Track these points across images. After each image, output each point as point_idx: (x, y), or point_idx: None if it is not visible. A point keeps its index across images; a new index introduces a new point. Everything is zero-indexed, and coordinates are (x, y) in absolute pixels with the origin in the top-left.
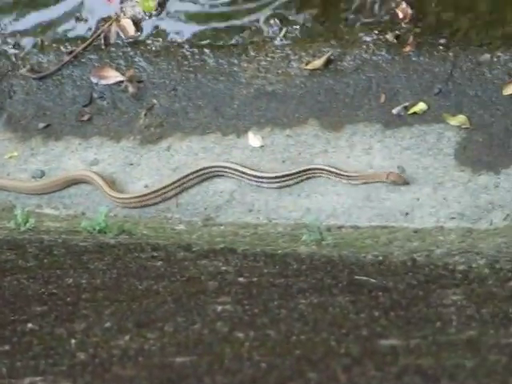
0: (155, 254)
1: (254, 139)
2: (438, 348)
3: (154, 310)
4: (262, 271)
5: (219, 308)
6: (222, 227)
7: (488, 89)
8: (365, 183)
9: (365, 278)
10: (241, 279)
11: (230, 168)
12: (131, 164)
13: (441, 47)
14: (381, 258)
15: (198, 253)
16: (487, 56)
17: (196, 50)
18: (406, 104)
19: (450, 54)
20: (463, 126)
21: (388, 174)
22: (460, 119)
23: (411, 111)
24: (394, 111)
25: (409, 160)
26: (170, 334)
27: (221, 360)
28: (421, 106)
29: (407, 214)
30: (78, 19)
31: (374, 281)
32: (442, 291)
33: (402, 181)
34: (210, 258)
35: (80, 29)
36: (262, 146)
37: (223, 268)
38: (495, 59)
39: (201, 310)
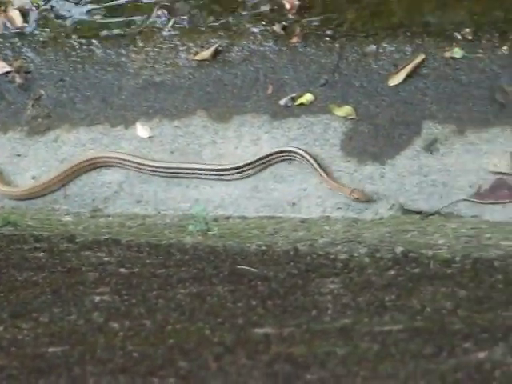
0: (38, 245)
1: (142, 130)
2: (311, 336)
3: (31, 301)
4: (145, 262)
5: (97, 298)
6: (109, 218)
7: (374, 79)
8: (329, 188)
9: (246, 267)
10: (122, 270)
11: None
12: (18, 155)
13: (327, 38)
14: (264, 247)
15: (82, 244)
16: (373, 47)
17: (84, 41)
18: (293, 95)
19: (337, 45)
20: (349, 117)
21: (352, 190)
22: (346, 110)
23: (298, 102)
24: (282, 102)
25: None
26: (45, 324)
27: (93, 350)
28: (308, 97)
29: (294, 204)
30: None
31: (255, 270)
32: (320, 280)
33: (365, 198)
34: (94, 249)
35: None
36: (151, 137)
37: (106, 259)
38: (381, 50)
39: (78, 300)
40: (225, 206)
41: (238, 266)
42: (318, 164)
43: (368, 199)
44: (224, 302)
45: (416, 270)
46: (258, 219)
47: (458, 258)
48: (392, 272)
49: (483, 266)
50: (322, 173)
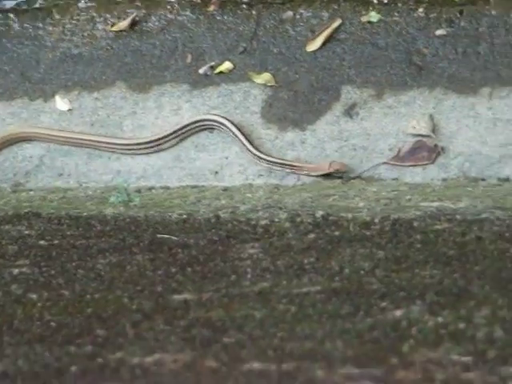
0: None
1: (61, 103)
2: (229, 300)
3: None
4: (65, 233)
5: (16, 271)
6: (31, 192)
7: (292, 46)
8: (307, 175)
9: (167, 236)
10: (42, 242)
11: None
12: None
13: (244, 6)
14: (185, 216)
15: (2, 218)
16: (290, 13)
17: (0, 15)
18: (212, 63)
19: (254, 12)
20: (268, 84)
21: (330, 163)
22: (265, 77)
23: (217, 71)
24: (201, 71)
25: None
26: None
27: (10, 321)
28: (227, 65)
29: (217, 172)
30: None
31: (175, 238)
32: (241, 246)
33: (345, 168)
34: (14, 222)
35: None
36: (70, 110)
37: (26, 232)
38: (298, 16)
39: None
40: (147, 177)
41: (159, 235)
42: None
43: (347, 169)
44: (143, 270)
45: (336, 233)
46: (180, 189)
47: (377, 220)
48: (312, 235)
49: (402, 226)
50: (297, 163)
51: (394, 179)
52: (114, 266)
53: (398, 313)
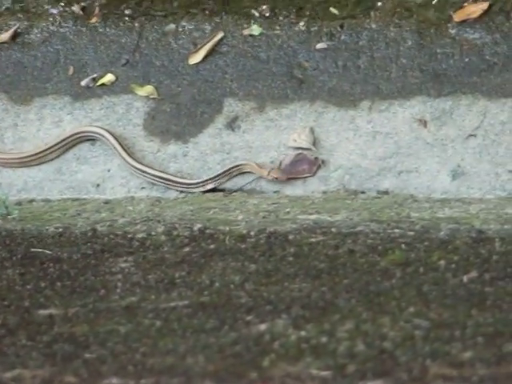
0: None
1: None
2: (95, 315)
3: None
4: None
5: None
6: None
7: (174, 58)
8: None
9: (41, 250)
10: None
11: None
12: None
13: (126, 18)
14: (62, 229)
15: None
16: (172, 26)
17: None
18: (95, 75)
19: (136, 24)
20: (151, 96)
21: (269, 170)
22: (148, 89)
23: (100, 83)
24: (83, 83)
25: None
26: None
27: None
28: (109, 78)
29: (98, 185)
30: None
31: (49, 252)
32: (114, 259)
33: (284, 177)
34: None
35: None
36: None
37: None
38: (180, 29)
39: None
40: (28, 190)
41: (33, 249)
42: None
43: (284, 179)
44: (13, 285)
45: (211, 247)
46: (61, 201)
47: (253, 233)
48: (187, 249)
49: (277, 239)
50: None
51: (275, 192)
52: None
53: (263, 327)
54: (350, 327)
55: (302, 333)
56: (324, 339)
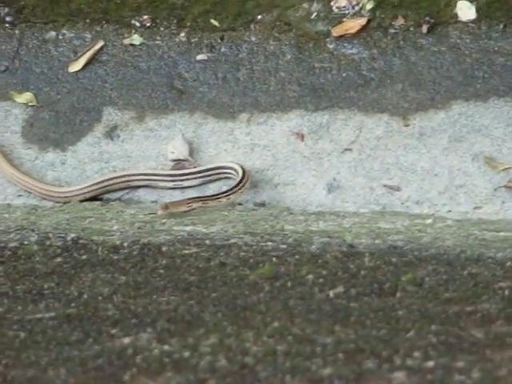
0: None
1: None
2: None
3: None
4: None
5: None
6: None
7: (54, 66)
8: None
9: None
10: None
11: None
12: None
13: (7, 25)
14: None
15: None
16: (53, 33)
17: None
18: None
19: (17, 31)
20: (30, 104)
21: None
22: (27, 96)
23: None
24: None
25: None
26: None
27: None
28: None
29: None
30: None
31: None
32: None
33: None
34: None
35: None
36: None
37: None
38: (60, 37)
39: None
40: None
41: None
42: None
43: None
44: None
45: (83, 257)
46: None
47: (126, 244)
48: (59, 259)
49: (150, 251)
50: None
51: (152, 202)
52: None
53: (127, 340)
54: (214, 341)
55: (166, 347)
56: (187, 354)
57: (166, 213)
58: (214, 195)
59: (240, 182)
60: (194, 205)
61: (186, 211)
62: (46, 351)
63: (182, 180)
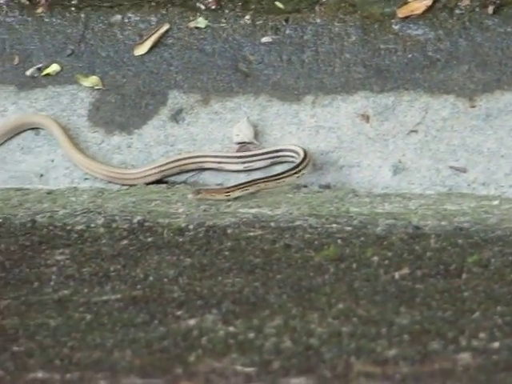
0: None
1: None
2: (27, 308)
3: None
4: None
5: None
6: None
7: (120, 50)
8: None
9: None
10: None
11: None
12: None
13: (73, 8)
14: (1, 220)
15: None
16: (118, 17)
17: None
18: (40, 65)
19: (82, 15)
20: (96, 87)
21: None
22: (93, 80)
23: (45, 73)
24: (28, 73)
25: None
26: None
27: None
28: (54, 68)
29: (42, 175)
30: None
31: None
32: (51, 251)
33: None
34: None
35: None
36: None
37: None
38: (126, 20)
39: None
40: None
41: None
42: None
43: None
44: None
45: (149, 240)
46: (4, 191)
47: (191, 227)
48: (125, 242)
49: (216, 233)
50: None
51: (218, 184)
52: None
53: (192, 322)
54: (279, 323)
55: (231, 328)
56: (251, 335)
57: (198, 198)
58: (269, 177)
59: (299, 164)
60: (250, 189)
61: (221, 200)
62: (111, 333)
63: (252, 161)
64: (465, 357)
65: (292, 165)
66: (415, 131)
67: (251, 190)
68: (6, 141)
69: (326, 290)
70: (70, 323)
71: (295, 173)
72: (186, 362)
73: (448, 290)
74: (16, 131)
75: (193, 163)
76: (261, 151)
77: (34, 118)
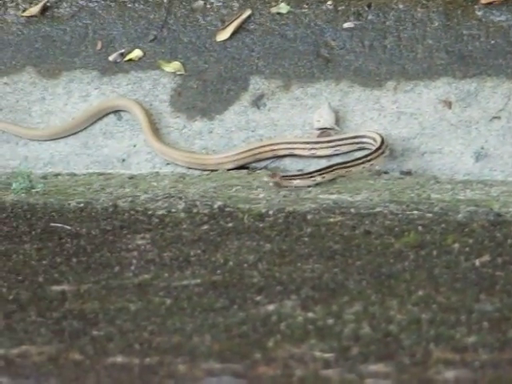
0: None
1: None
2: (106, 292)
3: None
4: None
5: None
6: None
7: (202, 35)
8: None
9: (60, 225)
10: None
11: None
12: None
13: None
14: (83, 204)
15: None
16: (200, 2)
17: None
18: (123, 51)
19: (165, 0)
20: (178, 73)
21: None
22: (175, 66)
23: (127, 58)
24: (111, 58)
25: None
26: None
27: None
28: (137, 53)
29: (124, 160)
30: None
31: (68, 227)
32: (132, 236)
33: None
34: None
35: None
36: None
37: None
38: (208, 6)
39: None
40: (54, 163)
41: (52, 224)
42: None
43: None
44: (29, 259)
45: (230, 225)
46: (86, 176)
47: (271, 212)
48: (205, 227)
49: (295, 219)
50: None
51: (298, 170)
52: (1, 254)
53: (271, 307)
54: (358, 309)
55: (310, 314)
56: (330, 321)
57: (274, 181)
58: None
59: (374, 151)
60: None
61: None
62: (191, 318)
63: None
64: None
65: (369, 151)
66: (498, 117)
67: (329, 176)
68: (90, 125)
69: (405, 276)
70: (150, 308)
71: (369, 160)
72: (265, 348)
73: None
74: (100, 115)
75: (283, 149)
76: (345, 136)
77: (117, 101)
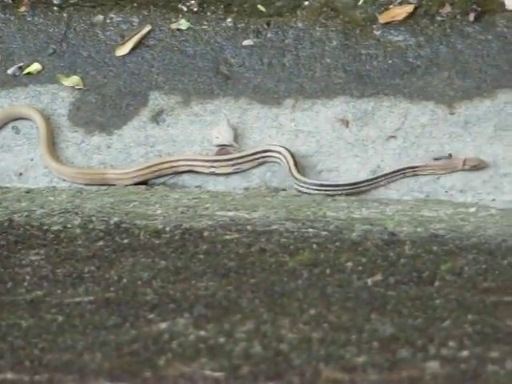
0: None
1: None
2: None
3: None
4: None
5: None
6: None
7: (101, 50)
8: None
9: None
10: None
11: None
12: None
13: (55, 8)
14: None
15: None
16: (100, 17)
17: None
18: (21, 64)
19: (65, 14)
20: (77, 87)
21: (464, 160)
22: (74, 80)
23: (26, 71)
24: (9, 71)
25: None
26: None
27: None
28: (35, 67)
29: (21, 174)
30: None
31: None
32: (26, 251)
33: (483, 164)
34: None
35: None
36: None
37: None
38: (108, 21)
39: None
40: None
41: None
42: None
43: (485, 165)
44: None
45: (125, 241)
46: None
47: (168, 228)
48: (100, 243)
49: (192, 236)
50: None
51: (197, 186)
52: None
53: (163, 325)
54: (250, 328)
55: (202, 332)
56: (222, 339)
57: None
58: None
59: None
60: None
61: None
62: (82, 335)
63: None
64: (433, 365)
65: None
66: (394, 137)
67: None
68: None
69: (298, 295)
70: (42, 324)
71: None
72: (156, 366)
73: (420, 298)
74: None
75: (183, 166)
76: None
77: (18, 109)
